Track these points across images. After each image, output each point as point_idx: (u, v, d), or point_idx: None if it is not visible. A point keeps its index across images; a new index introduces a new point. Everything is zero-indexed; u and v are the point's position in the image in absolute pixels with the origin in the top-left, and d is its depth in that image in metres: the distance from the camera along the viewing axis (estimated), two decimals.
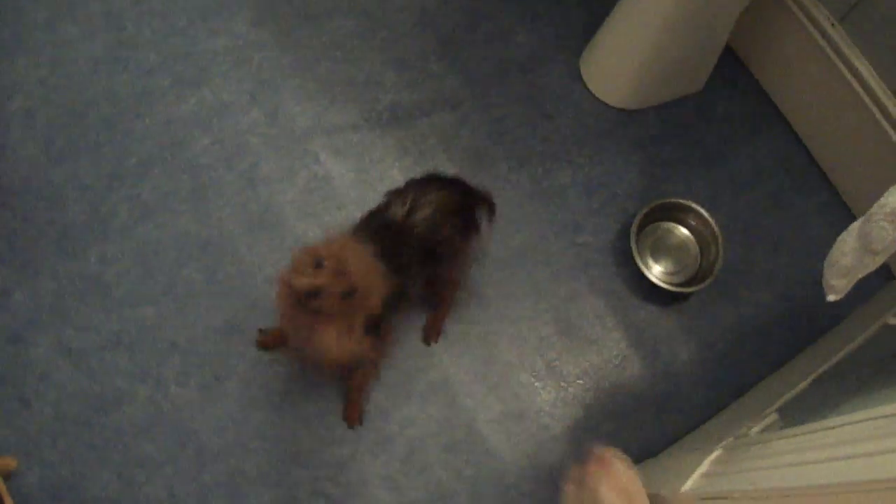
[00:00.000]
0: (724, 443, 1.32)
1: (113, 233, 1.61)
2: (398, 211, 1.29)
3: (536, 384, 1.57)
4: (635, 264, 1.58)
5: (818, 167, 1.72)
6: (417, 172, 1.62)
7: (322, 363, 1.27)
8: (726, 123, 1.75)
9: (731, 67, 1.78)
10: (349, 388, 1.49)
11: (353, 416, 1.50)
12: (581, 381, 1.57)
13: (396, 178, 1.65)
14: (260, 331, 1.53)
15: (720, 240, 1.59)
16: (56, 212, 1.63)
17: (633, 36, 1.60)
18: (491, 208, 1.44)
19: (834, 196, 1.70)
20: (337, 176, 1.65)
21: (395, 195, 1.33)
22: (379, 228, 1.28)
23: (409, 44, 1.76)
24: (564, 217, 1.66)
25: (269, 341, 1.53)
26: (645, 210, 1.60)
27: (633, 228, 1.59)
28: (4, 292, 1.55)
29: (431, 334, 1.57)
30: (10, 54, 1.77)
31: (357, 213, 1.56)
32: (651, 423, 1.56)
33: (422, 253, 1.30)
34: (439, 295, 1.53)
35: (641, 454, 1.51)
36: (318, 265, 1.11)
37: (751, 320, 1.62)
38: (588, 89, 1.74)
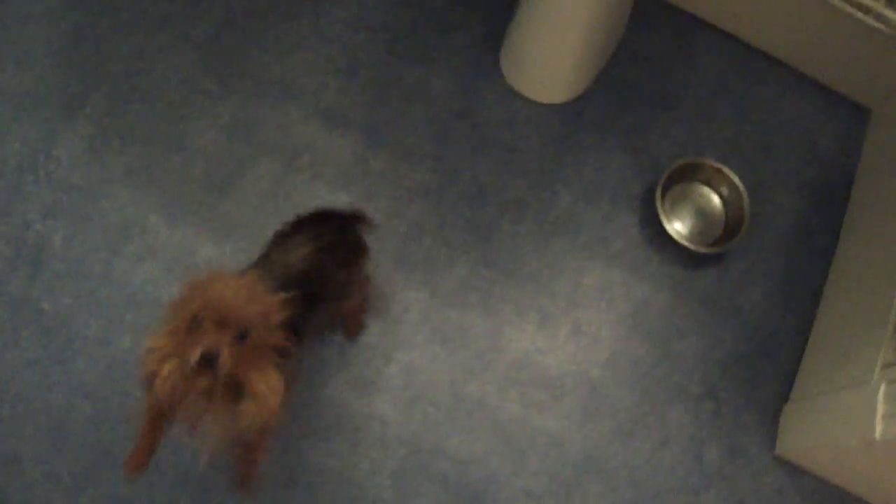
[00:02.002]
0: (877, 375, 1.30)
1: None
2: (278, 255, 1.17)
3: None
4: (674, 242, 1.52)
5: (764, 54, 1.68)
6: (427, 281, 1.49)
7: (245, 430, 1.04)
8: (660, 59, 1.67)
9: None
10: (249, 445, 1.22)
11: (253, 476, 1.24)
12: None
13: (418, 298, 1.51)
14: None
15: (742, 189, 1.54)
16: None
17: (560, 30, 1.49)
18: (365, 222, 1.31)
19: (795, 75, 1.67)
20: (363, 332, 1.49)
21: (278, 238, 1.22)
22: (262, 274, 1.11)
23: (338, 155, 1.59)
24: (586, 238, 1.56)
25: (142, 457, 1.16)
26: (658, 192, 1.53)
27: (660, 210, 1.52)
28: None
29: (353, 329, 1.47)
30: None
31: (406, 357, 1.44)
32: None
33: (309, 293, 1.14)
34: (348, 320, 1.44)
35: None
36: (193, 324, 0.95)
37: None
38: (528, 98, 1.62)
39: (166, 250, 1.54)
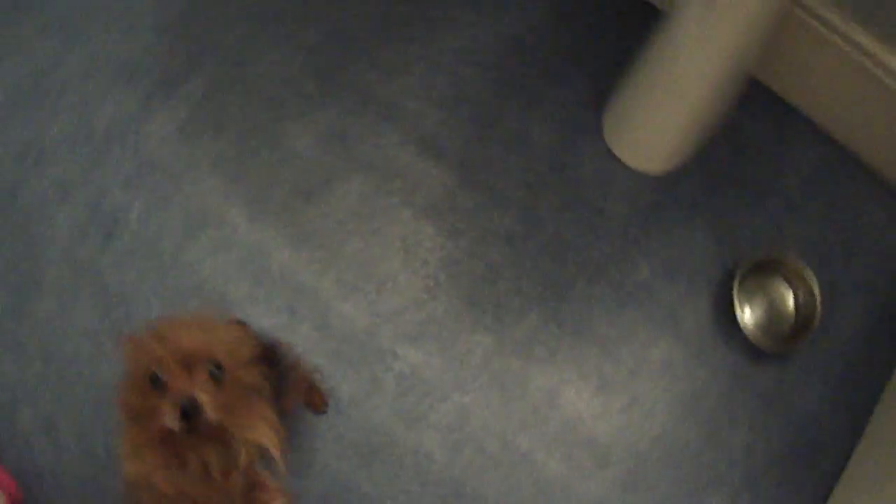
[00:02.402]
0: None
1: None
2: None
3: None
4: (742, 333, 1.52)
5: (856, 158, 1.69)
6: (495, 327, 1.49)
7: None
8: (756, 145, 1.67)
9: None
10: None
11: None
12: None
13: (484, 342, 1.50)
14: None
15: (817, 294, 1.54)
16: None
17: (671, 102, 1.48)
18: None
19: (884, 186, 1.68)
20: (424, 366, 1.48)
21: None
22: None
23: (428, 184, 1.58)
24: (659, 313, 1.56)
25: None
26: (737, 281, 1.53)
27: (735, 301, 1.52)
28: None
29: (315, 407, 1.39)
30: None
31: (462, 398, 1.43)
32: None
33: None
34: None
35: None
36: (156, 377, 0.81)
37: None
38: (625, 164, 1.61)
39: (242, 247, 1.53)
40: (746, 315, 1.56)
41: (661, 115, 1.52)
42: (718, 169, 1.65)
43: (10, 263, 1.52)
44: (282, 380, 1.05)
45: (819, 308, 1.53)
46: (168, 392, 0.80)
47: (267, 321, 1.48)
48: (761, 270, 1.57)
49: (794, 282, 1.57)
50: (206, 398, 0.80)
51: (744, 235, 1.62)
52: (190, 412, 0.79)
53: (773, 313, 1.58)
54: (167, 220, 1.55)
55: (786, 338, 1.56)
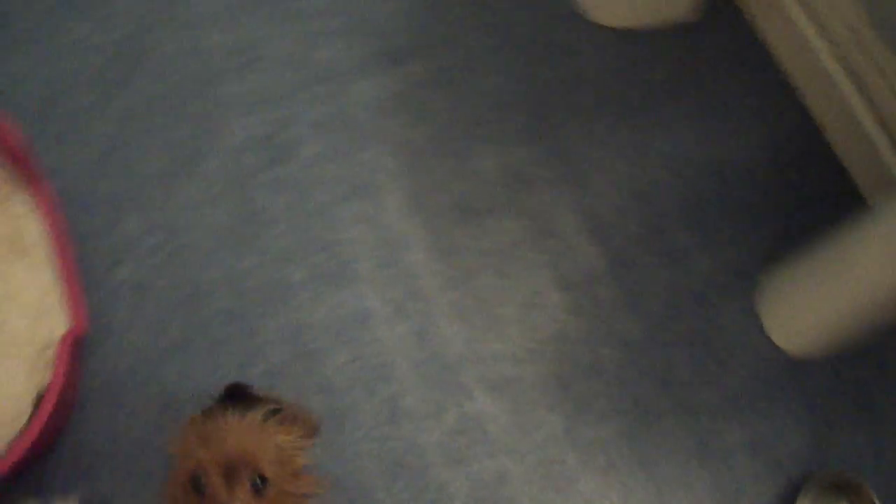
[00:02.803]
0: None
1: None
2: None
3: None
4: None
5: None
6: (574, 418, 1.47)
7: None
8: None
9: None
10: None
11: None
12: None
13: (554, 424, 1.48)
14: None
15: None
16: (164, 414, 1.44)
17: (842, 299, 1.44)
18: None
19: None
20: (490, 418, 1.48)
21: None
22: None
23: (578, 258, 1.58)
24: (726, 484, 1.51)
25: None
26: (811, 490, 1.47)
27: None
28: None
29: None
30: (122, 210, 1.55)
31: (508, 463, 1.42)
32: None
33: None
34: None
35: None
36: (195, 483, 0.77)
37: None
38: (765, 332, 1.58)
39: (385, 230, 1.56)
40: None
41: (825, 306, 1.47)
42: (852, 376, 1.59)
43: (178, 139, 1.60)
44: None
45: None
46: (205, 499, 0.77)
47: (371, 304, 1.50)
48: (836, 487, 1.51)
49: None
50: None
51: (838, 456, 1.55)
52: None
53: None
54: (332, 173, 1.59)
55: None
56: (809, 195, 1.67)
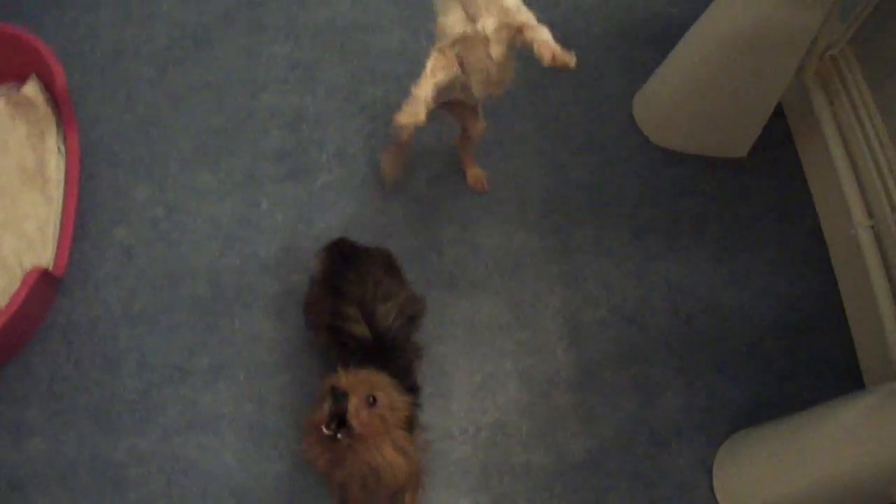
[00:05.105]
0: None
1: (152, 430, 1.44)
2: (358, 328, 1.27)
3: None
4: None
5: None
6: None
7: (378, 492, 1.21)
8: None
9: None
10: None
11: None
12: None
13: None
14: None
15: None
16: (107, 374, 1.48)
17: (798, 479, 1.34)
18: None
19: None
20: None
21: (336, 301, 1.30)
22: (362, 359, 1.22)
23: (546, 358, 1.54)
24: None
25: None
26: None
27: None
28: (28, 433, 1.42)
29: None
30: (139, 176, 1.63)
31: None
32: None
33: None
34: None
35: None
36: (336, 398, 1.10)
37: None
38: (714, 492, 1.48)
39: None
40: None
41: (782, 486, 1.38)
42: None
43: (212, 129, 1.68)
44: None
45: None
46: (336, 405, 1.09)
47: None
48: None
49: None
50: (352, 407, 1.09)
51: None
52: (339, 415, 1.09)
53: None
54: (338, 203, 1.62)
55: None
56: (807, 363, 1.57)
